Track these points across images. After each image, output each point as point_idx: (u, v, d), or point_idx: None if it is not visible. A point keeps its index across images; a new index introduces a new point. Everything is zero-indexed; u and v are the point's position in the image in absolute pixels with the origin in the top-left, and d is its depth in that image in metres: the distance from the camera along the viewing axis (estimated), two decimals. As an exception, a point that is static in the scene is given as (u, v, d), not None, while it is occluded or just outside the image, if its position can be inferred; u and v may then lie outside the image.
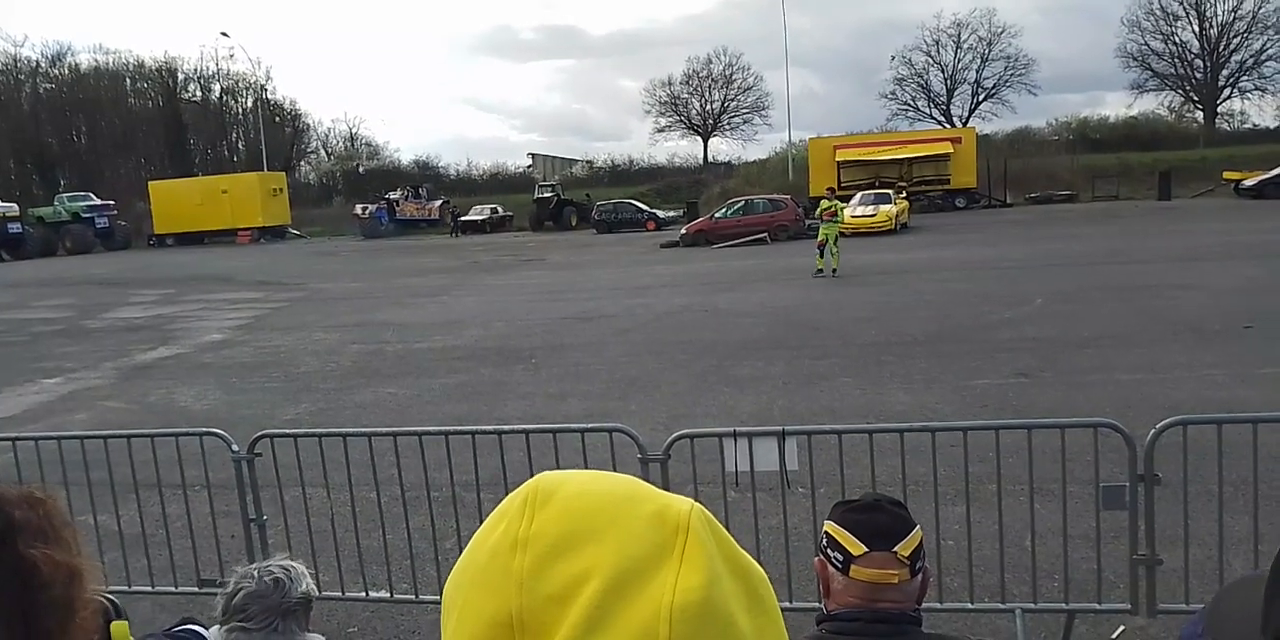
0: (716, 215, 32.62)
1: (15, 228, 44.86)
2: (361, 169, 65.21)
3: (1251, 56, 56.89)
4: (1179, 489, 4.02)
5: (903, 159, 39.93)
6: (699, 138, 66.20)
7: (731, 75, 64.76)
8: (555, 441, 4.51)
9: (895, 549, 1.74)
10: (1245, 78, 57.57)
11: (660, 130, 66.20)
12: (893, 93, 62.48)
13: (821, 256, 18.93)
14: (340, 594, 4.60)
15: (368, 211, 47.52)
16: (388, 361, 12.08)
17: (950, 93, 62.28)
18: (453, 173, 65.17)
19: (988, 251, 21.64)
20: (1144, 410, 6.17)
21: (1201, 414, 4.30)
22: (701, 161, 64.22)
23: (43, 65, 66.00)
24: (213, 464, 4.85)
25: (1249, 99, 58.31)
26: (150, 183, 51.79)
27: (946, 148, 40.49)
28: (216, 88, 68.71)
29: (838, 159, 40.36)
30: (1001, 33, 60.10)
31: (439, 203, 49.91)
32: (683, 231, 32.55)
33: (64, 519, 1.25)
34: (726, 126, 66.03)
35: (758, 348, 11.36)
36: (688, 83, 65.20)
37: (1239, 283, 14.16)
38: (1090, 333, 10.93)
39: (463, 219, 46.39)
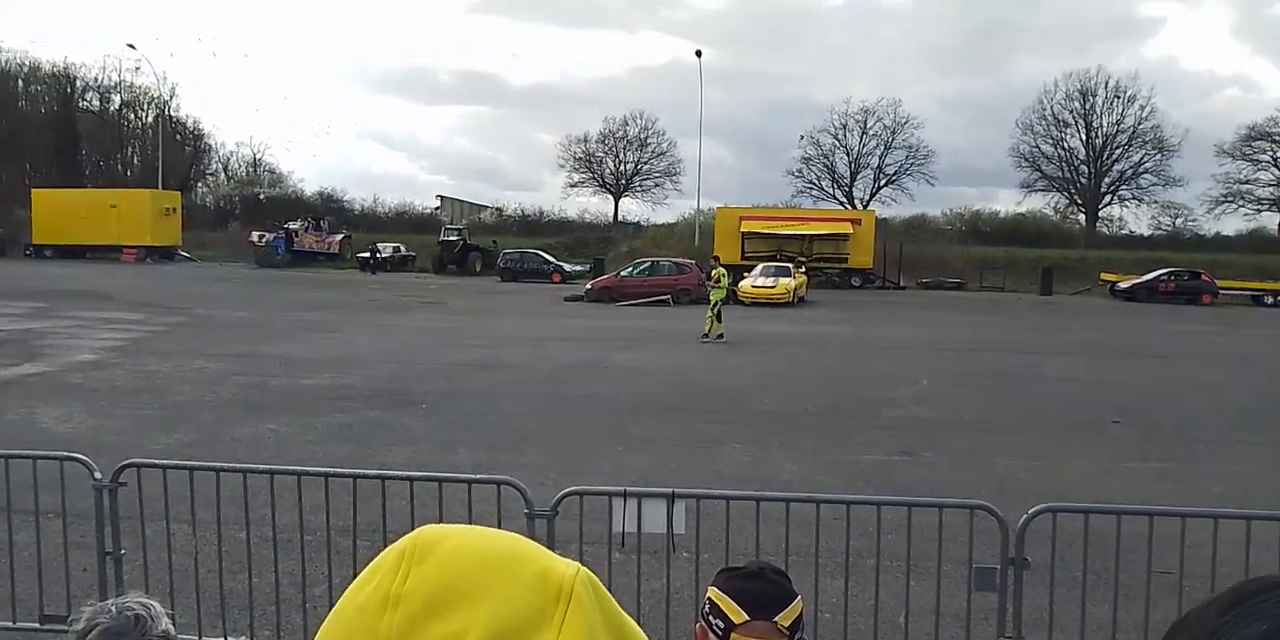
0: (622, 274, 32.92)
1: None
2: (262, 196, 63.53)
3: (1131, 168, 61.23)
4: (1046, 574, 4.18)
5: (805, 235, 41.16)
6: (610, 196, 67.05)
7: (646, 139, 66.13)
8: (440, 491, 4.40)
9: (776, 618, 1.75)
10: (1125, 187, 61.81)
11: (573, 185, 66.88)
12: (799, 171, 64.73)
13: (712, 322, 19.37)
14: (197, 638, 4.34)
15: (264, 239, 46.13)
16: (271, 396, 11.66)
17: (854, 175, 64.86)
18: (357, 207, 64.17)
19: (880, 331, 22.35)
20: (1017, 495, 6.40)
21: (1070, 502, 4.48)
22: (611, 219, 64.91)
23: (-78, 60, 62.78)
24: (71, 492, 4.56)
25: (1127, 207, 62.53)
26: (34, 190, 49.33)
27: (847, 228, 41.99)
28: (117, 99, 66.39)
29: (743, 229, 41.36)
30: (905, 123, 63.21)
31: (340, 236, 48.97)
32: (588, 286, 32.70)
33: None
34: (638, 188, 67.14)
35: (653, 408, 11.40)
36: (603, 142, 66.25)
37: (1110, 378, 14.96)
38: (971, 416, 11.34)
39: (361, 256, 45.53)
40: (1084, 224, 61.62)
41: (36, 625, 4.38)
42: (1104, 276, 41.61)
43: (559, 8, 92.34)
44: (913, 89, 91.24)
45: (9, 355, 14.46)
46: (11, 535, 4.67)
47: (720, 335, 19.14)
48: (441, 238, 45.85)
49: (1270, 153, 59.44)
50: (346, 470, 4.89)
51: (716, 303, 19.62)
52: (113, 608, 2.15)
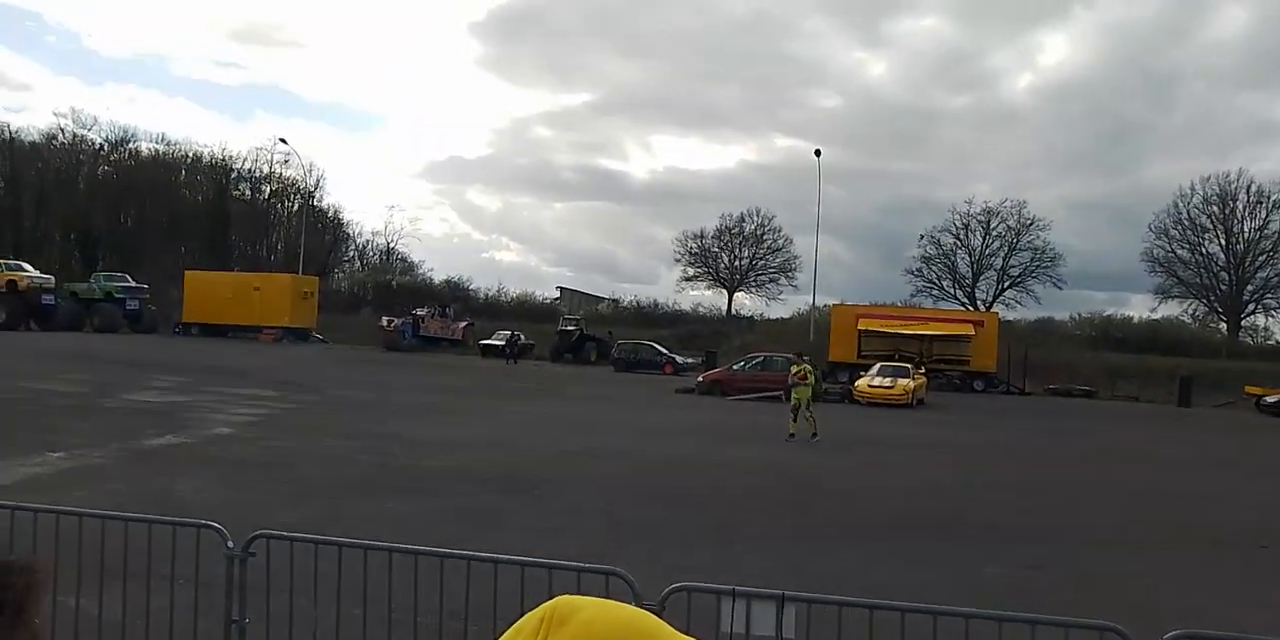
0: (734, 367, 32.88)
1: (49, 299, 45.87)
2: (393, 283, 66.70)
3: (1276, 274, 58.11)
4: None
5: (924, 335, 40.40)
6: (724, 290, 67.62)
7: (762, 235, 66.87)
8: (550, 578, 4.44)
9: None
10: (1270, 295, 58.59)
11: (688, 279, 67.84)
12: (919, 270, 63.99)
13: (795, 420, 18.56)
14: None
15: (394, 325, 48.28)
16: (392, 475, 12.00)
17: (976, 276, 63.67)
18: (482, 296, 66.49)
19: (1003, 436, 21.52)
20: (1150, 619, 6.00)
21: (1208, 630, 4.20)
22: (725, 313, 65.32)
23: (105, 148, 69.11)
24: (204, 559, 4.79)
25: (1273, 316, 59.16)
26: (186, 272, 53.17)
27: (968, 329, 41.02)
28: (266, 189, 71.49)
29: (860, 327, 40.90)
30: (1030, 224, 62.07)
31: (464, 323, 50.71)
32: (699, 379, 32.75)
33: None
34: (753, 283, 67.54)
35: (761, 506, 11.21)
36: (719, 237, 67.27)
37: (1258, 499, 13.94)
38: (1102, 531, 10.73)
39: (484, 343, 46.85)
40: (1225, 333, 58.51)
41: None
42: (1248, 390, 39.05)
43: (678, 108, 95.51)
44: (1039, 190, 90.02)
45: (155, 426, 15.37)
46: (149, 598, 4.91)
47: (813, 435, 18.22)
48: (560, 327, 46.99)
49: None
50: (462, 552, 4.99)
51: (799, 401, 18.75)
52: None
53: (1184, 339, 54.80)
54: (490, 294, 67.37)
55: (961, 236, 63.47)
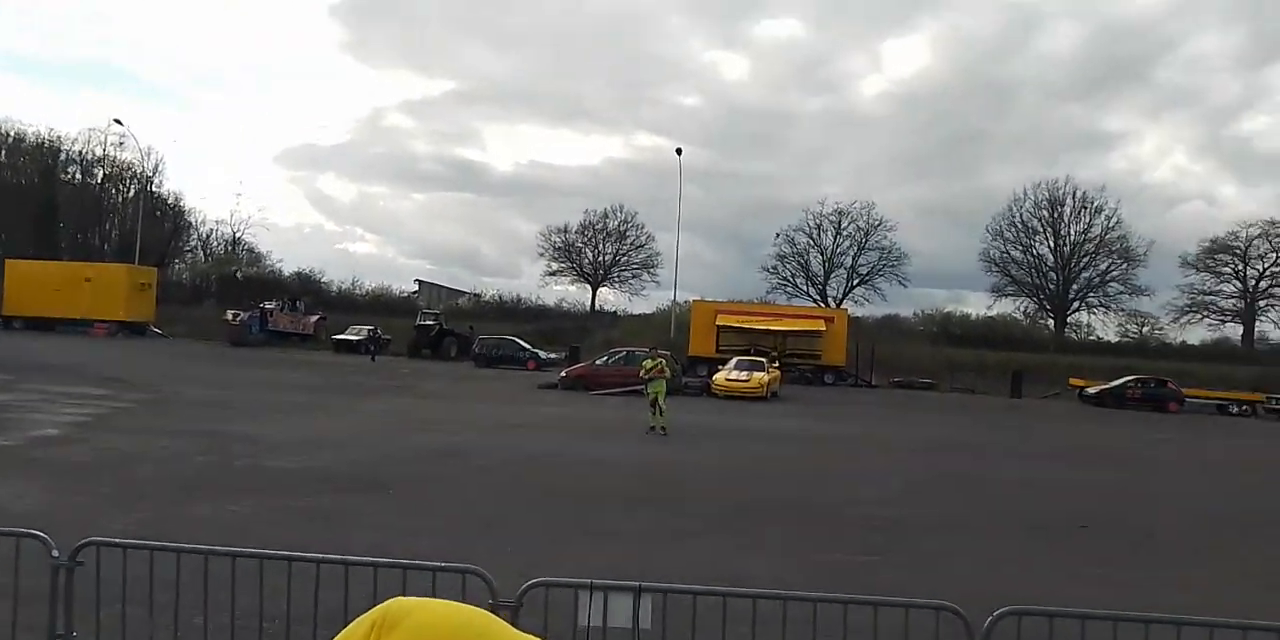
0: (598, 363, 33.01)
1: None
2: (239, 275, 63.69)
3: (1098, 276, 62.86)
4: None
5: (779, 331, 41.64)
6: (588, 285, 67.83)
7: (625, 231, 67.44)
8: (405, 578, 4.35)
9: None
10: (1092, 294, 63.30)
11: (551, 274, 67.73)
12: (774, 267, 66.00)
13: (655, 413, 18.77)
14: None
15: (239, 318, 46.07)
16: (233, 476, 11.48)
17: (827, 274, 66.15)
18: (335, 289, 64.35)
19: (851, 427, 22.41)
20: (983, 598, 6.37)
21: (1036, 606, 4.49)
22: (588, 308, 65.48)
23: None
24: (26, 569, 4.46)
25: (1095, 314, 63.94)
26: (8, 261, 49.24)
27: (820, 325, 42.57)
28: (99, 173, 67.04)
29: (718, 323, 41.81)
30: (879, 225, 64.97)
31: (315, 317, 48.97)
32: (562, 374, 32.73)
33: None
34: (616, 278, 68.04)
35: (622, 500, 11.30)
36: (582, 232, 67.44)
37: (1077, 483, 15.02)
38: (939, 518, 11.33)
39: (337, 338, 45.35)
40: (1053, 329, 62.79)
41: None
42: (1072, 382, 42.18)
43: (542, 101, 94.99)
44: (887, 193, 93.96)
45: (-32, 427, 14.18)
46: (-40, 614, 4.54)
47: (663, 428, 18.46)
48: (419, 322, 45.96)
49: (1232, 265, 61.38)
50: (310, 555, 4.82)
51: (656, 394, 18.91)
52: None
53: (1016, 335, 58.59)
54: (344, 287, 65.38)
55: (814, 236, 65.84)
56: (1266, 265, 60.43)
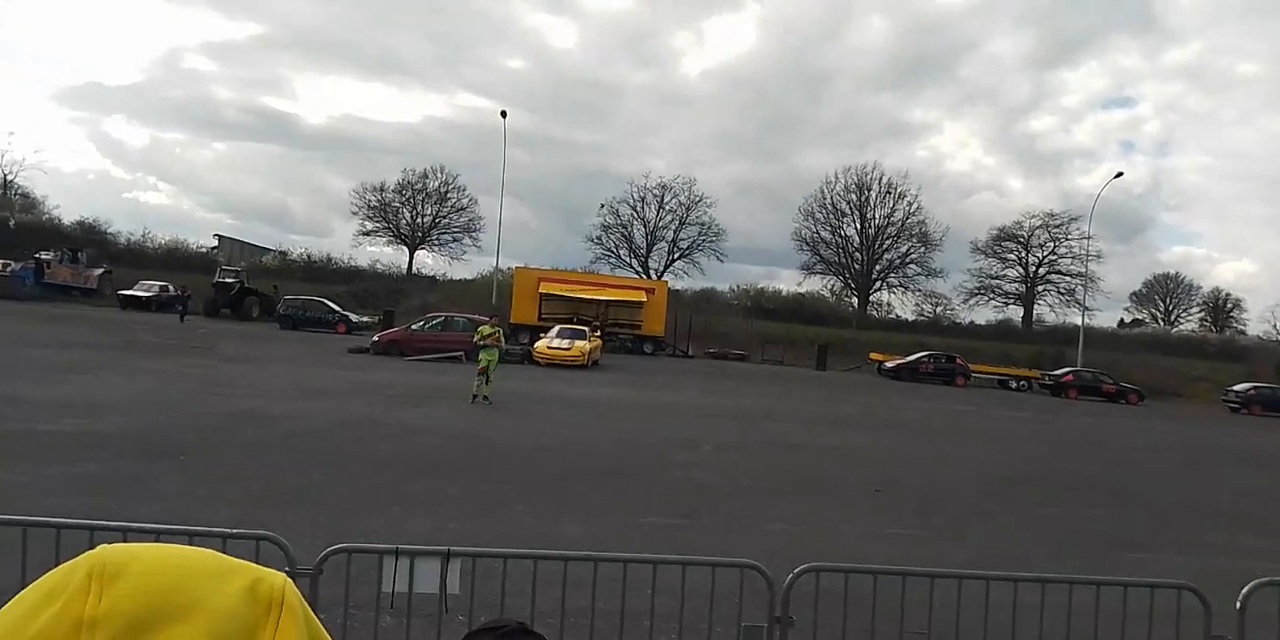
0: (413, 327, 32.19)
1: None
2: (12, 222, 57.75)
3: (899, 257, 66.86)
4: (809, 633, 4.32)
5: (601, 300, 41.97)
6: (405, 247, 65.89)
7: (446, 193, 65.85)
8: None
9: None
10: (893, 274, 67.31)
11: (365, 234, 65.30)
12: (598, 238, 66.36)
13: (486, 382, 18.46)
14: None
15: (10, 269, 41.84)
16: (3, 441, 10.42)
17: (650, 246, 67.16)
18: (123, 241, 59.46)
19: (668, 396, 22.88)
20: (785, 556, 6.64)
21: (832, 563, 4.70)
22: (405, 271, 63.64)
23: None
24: None
25: (894, 293, 68.08)
26: None
27: (641, 296, 43.20)
28: None
29: (541, 291, 41.68)
30: (699, 201, 66.46)
31: (100, 271, 45.22)
32: (375, 339, 31.70)
33: None
34: (436, 241, 66.41)
35: (435, 468, 11.06)
36: (401, 192, 65.32)
37: (874, 450, 15.96)
38: (748, 482, 11.74)
39: (124, 293, 42.07)
40: (856, 306, 66.42)
41: None
42: (872, 356, 44.88)
43: (358, 53, 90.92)
44: (708, 169, 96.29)
45: None
46: None
47: (486, 397, 18.19)
48: (216, 279, 43.24)
49: (1016, 253, 66.75)
50: (82, 522, 4.41)
51: (486, 362, 18.60)
52: None
53: (823, 311, 61.64)
54: (134, 239, 60.25)
55: (638, 208, 66.58)
56: (1045, 254, 66.06)
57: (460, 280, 60.16)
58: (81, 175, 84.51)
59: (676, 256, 67.00)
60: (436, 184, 65.55)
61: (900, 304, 68.31)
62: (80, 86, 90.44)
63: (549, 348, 31.58)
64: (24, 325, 28.07)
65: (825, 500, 10.94)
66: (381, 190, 64.95)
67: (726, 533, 8.80)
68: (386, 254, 66.36)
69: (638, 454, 13.38)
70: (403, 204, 65.50)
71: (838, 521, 9.74)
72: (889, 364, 42.20)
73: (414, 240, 65.59)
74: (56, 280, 43.06)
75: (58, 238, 51.30)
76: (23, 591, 0.58)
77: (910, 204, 66.18)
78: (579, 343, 31.97)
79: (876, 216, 66.74)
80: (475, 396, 18.31)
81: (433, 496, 9.46)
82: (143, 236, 60.83)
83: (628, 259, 66.83)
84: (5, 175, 62.29)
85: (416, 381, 21.98)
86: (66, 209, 71.54)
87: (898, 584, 4.53)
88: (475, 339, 19.90)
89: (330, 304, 41.06)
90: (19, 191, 62.22)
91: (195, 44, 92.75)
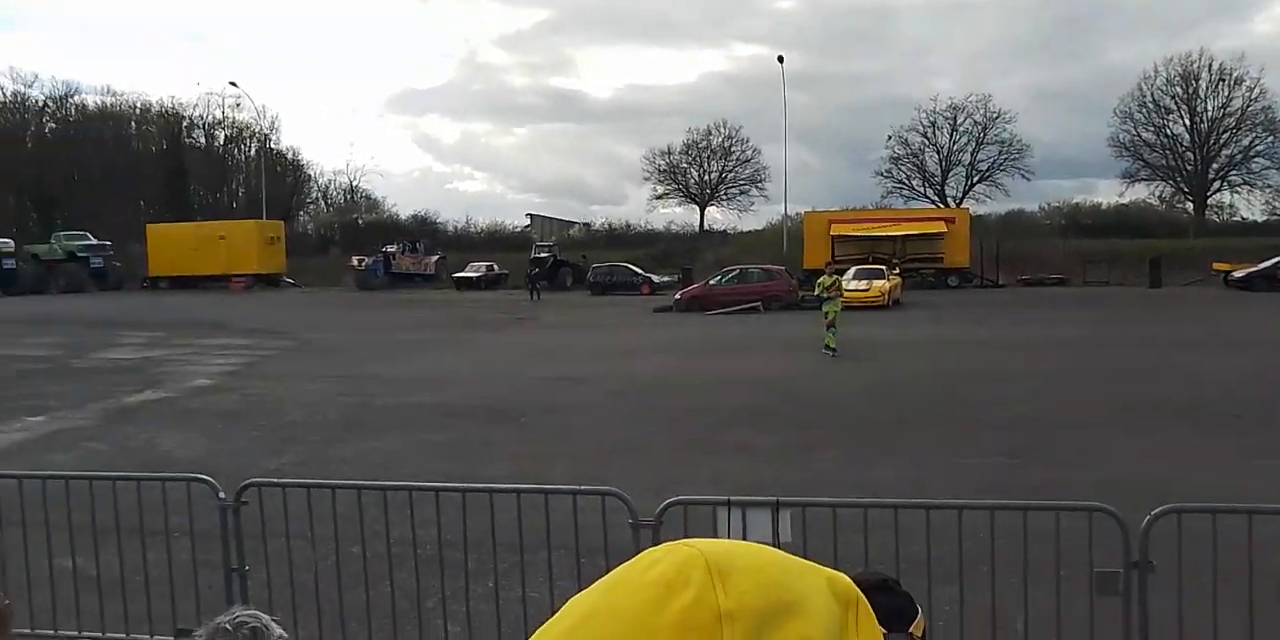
0: (711, 283, 32.89)
1: (9, 263, 44.92)
2: (360, 222, 65.63)
3: (1240, 152, 58.26)
4: (1173, 577, 3.99)
5: (897, 236, 40.47)
6: (696, 206, 67.08)
7: (730, 147, 65.94)
8: (546, 502, 4.47)
9: (910, 630, 1.71)
10: (1234, 172, 58.84)
11: (658, 197, 67.11)
12: (888, 171, 63.57)
13: (834, 334, 17.76)
14: (319, 651, 4.49)
15: (363, 264, 47.76)
16: (375, 415, 12.00)
17: (945, 173, 63.39)
18: (451, 228, 65.68)
19: (980, 331, 21.76)
20: (1138, 496, 6.14)
21: (1196, 502, 4.28)
22: (698, 229, 64.93)
23: (49, 105, 66.78)
24: (197, 511, 4.78)
25: (1238, 193, 59.55)
26: (148, 226, 52.11)
27: (940, 227, 41.10)
28: (221, 135, 69.60)
29: (833, 233, 40.89)
30: (996, 118, 61.51)
31: (435, 257, 50.24)
32: (676, 297, 32.76)
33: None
34: (723, 196, 66.95)
35: (748, 416, 11.33)
36: (686, 152, 66.32)
37: (1228, 372, 14.23)
38: (1081, 415, 10.94)
39: (458, 276, 46.44)
40: (1192, 213, 58.94)
41: (171, 638, 4.59)
42: (1216, 266, 39.59)
43: (631, 22, 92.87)
44: (1002, 82, 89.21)
45: (132, 383, 15.23)
46: (145, 554, 4.91)
47: (831, 348, 17.57)
48: (532, 255, 46.63)
49: (1393, 129, 55.95)
50: (455, 484, 5.01)
51: (830, 313, 17.91)
52: (227, 624, 2.22)
53: (1151, 221, 55.30)
54: (459, 226, 66.38)
55: (929, 135, 62.90)
56: None
57: (751, 231, 60.45)
58: (409, 173, 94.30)
59: (976, 180, 62.82)
60: (720, 139, 65.97)
61: (1246, 205, 59.65)
62: (399, 93, 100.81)
63: (845, 290, 30.99)
64: (380, 312, 31.99)
65: (1175, 431, 9.95)
66: (668, 153, 66.44)
67: (1062, 470, 8.28)
68: (679, 214, 68.31)
69: (954, 392, 12.87)
70: (689, 164, 66.62)
71: (1195, 454, 8.83)
72: (1237, 273, 37.06)
73: (703, 198, 66.66)
74: (401, 269, 48.56)
75: (398, 231, 57.78)
76: (610, 580, 0.62)
77: (1251, 89, 57.12)
78: (877, 283, 31.11)
79: (1209, 108, 58.38)
80: (826, 348, 17.78)
81: (748, 444, 9.71)
82: (466, 222, 66.96)
83: (921, 189, 63.65)
84: (351, 181, 70.94)
85: (719, 334, 22.53)
86: (402, 205, 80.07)
87: (1277, 524, 4.06)
88: (816, 291, 19.62)
89: (634, 268, 42.91)
90: (363, 195, 70.72)
91: (489, 38, 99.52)
